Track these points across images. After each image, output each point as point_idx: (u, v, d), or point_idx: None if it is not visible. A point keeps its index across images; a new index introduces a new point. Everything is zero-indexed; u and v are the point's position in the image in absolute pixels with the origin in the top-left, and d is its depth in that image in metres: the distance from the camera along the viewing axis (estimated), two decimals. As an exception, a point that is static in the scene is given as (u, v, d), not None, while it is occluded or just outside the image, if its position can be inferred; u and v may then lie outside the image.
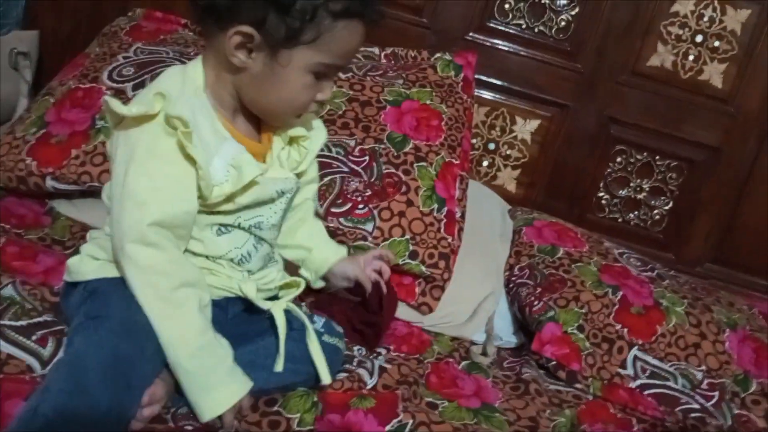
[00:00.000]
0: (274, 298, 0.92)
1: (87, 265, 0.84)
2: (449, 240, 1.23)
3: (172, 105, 0.77)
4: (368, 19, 0.82)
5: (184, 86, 0.81)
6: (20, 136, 1.20)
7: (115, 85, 1.26)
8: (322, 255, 1.02)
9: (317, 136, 0.96)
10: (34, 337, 0.85)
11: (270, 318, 0.87)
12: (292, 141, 0.93)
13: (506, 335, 1.25)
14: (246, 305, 0.89)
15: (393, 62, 1.51)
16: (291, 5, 0.76)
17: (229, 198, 0.82)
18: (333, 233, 1.17)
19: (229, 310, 0.88)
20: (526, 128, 1.65)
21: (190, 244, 0.84)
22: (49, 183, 1.16)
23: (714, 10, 1.58)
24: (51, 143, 1.18)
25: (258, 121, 0.89)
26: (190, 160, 0.78)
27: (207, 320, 0.80)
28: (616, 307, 1.21)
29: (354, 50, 0.85)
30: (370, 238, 1.18)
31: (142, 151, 0.77)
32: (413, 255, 1.19)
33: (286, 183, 0.90)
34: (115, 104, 0.77)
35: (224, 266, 0.87)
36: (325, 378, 0.88)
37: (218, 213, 0.84)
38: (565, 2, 1.58)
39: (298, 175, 0.94)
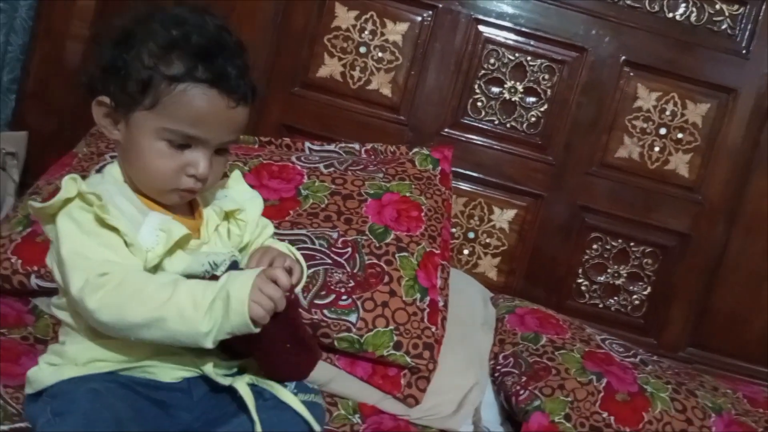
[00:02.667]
0: (240, 373, 0.88)
1: (44, 372, 0.83)
2: (433, 330, 1.24)
3: (86, 185, 0.79)
4: (216, 84, 0.80)
5: (104, 179, 0.85)
6: (6, 235, 1.22)
7: (102, 183, 1.28)
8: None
9: (252, 205, 0.95)
10: (14, 443, 0.83)
11: (240, 395, 0.84)
12: (228, 216, 0.93)
13: (494, 426, 1.23)
14: (210, 385, 0.85)
15: (373, 157, 1.56)
16: (126, 71, 0.79)
17: (160, 265, 0.82)
18: (317, 325, 1.18)
19: (193, 393, 0.85)
20: (503, 217, 1.70)
21: None
22: (34, 281, 1.16)
23: (675, 104, 1.68)
24: (37, 241, 1.19)
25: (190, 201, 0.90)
26: (113, 229, 0.79)
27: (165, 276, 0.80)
28: (602, 394, 1.21)
29: (206, 116, 0.81)
30: (354, 329, 1.18)
31: (67, 231, 0.79)
32: (397, 346, 1.19)
33: (220, 256, 0.88)
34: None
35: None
36: (315, 426, 0.85)
37: None
38: (533, 100, 1.68)
39: (244, 249, 0.94)
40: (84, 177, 1.29)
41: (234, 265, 0.90)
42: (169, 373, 0.83)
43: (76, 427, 0.73)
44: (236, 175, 0.97)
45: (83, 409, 0.74)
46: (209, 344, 0.77)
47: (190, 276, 0.84)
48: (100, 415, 0.74)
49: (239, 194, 0.95)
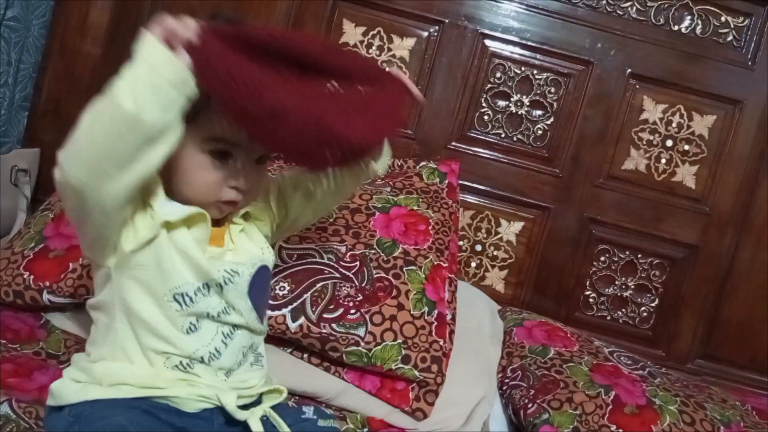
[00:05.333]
0: (257, 402, 0.90)
1: (69, 388, 0.84)
2: (441, 343, 1.24)
3: None
4: None
5: None
6: (18, 251, 1.23)
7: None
8: None
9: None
10: (27, 458, 0.83)
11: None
12: (247, 217, 0.94)
13: (502, 439, 1.23)
14: (228, 416, 0.87)
15: (381, 171, 1.57)
16: None
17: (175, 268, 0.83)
18: (326, 339, 1.18)
19: (214, 421, 0.87)
20: (510, 230, 1.71)
21: (162, 347, 0.84)
22: (46, 297, 1.18)
23: (681, 116, 1.68)
24: (49, 257, 1.21)
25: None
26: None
27: None
28: (610, 407, 1.21)
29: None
30: (362, 343, 1.19)
31: None
32: (405, 359, 1.20)
33: (241, 266, 0.90)
34: None
35: (201, 375, 0.86)
36: None
37: (183, 299, 0.85)
38: (540, 113, 1.69)
39: (283, 223, 0.98)
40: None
41: (262, 271, 0.92)
42: (191, 404, 0.85)
43: None
44: None
45: None
46: (134, 103, 0.71)
47: (209, 282, 0.86)
48: None
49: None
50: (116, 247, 0.83)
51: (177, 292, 0.85)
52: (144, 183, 0.78)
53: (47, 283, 1.18)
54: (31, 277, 1.19)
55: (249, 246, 0.93)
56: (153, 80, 0.72)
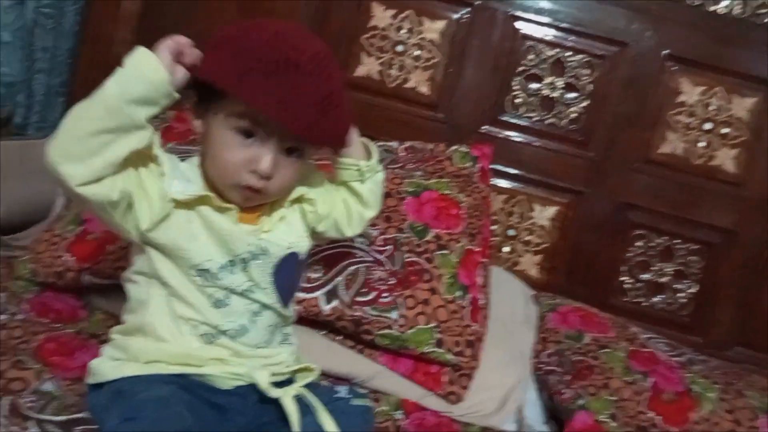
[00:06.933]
0: (289, 381, 0.91)
1: (107, 365, 0.86)
2: (474, 327, 1.23)
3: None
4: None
5: (180, 158, 0.92)
6: (59, 233, 1.25)
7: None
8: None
9: (314, 179, 0.99)
10: (72, 433, 0.85)
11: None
12: (294, 202, 0.95)
13: (537, 424, 1.22)
14: (263, 393, 0.88)
15: (411, 155, 1.56)
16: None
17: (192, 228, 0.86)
18: (358, 322, 1.18)
19: (248, 398, 0.88)
20: (544, 215, 1.69)
21: (190, 314, 0.86)
22: (86, 278, 1.20)
23: (720, 99, 1.64)
24: (88, 239, 1.23)
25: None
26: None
27: None
28: (648, 394, 1.19)
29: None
30: (395, 327, 1.19)
31: None
32: (439, 343, 1.19)
33: (273, 245, 0.90)
34: None
35: (227, 347, 0.87)
36: None
37: (206, 275, 0.86)
38: (573, 96, 1.66)
39: (325, 222, 0.98)
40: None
41: (291, 257, 0.92)
42: (226, 382, 0.86)
43: None
44: None
45: (152, 417, 0.76)
46: (121, 99, 0.77)
47: (234, 259, 0.87)
48: (168, 424, 0.76)
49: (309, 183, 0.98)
50: (136, 226, 0.85)
51: (200, 268, 0.86)
52: (111, 171, 0.80)
53: (87, 265, 1.20)
54: (72, 258, 1.21)
55: (285, 231, 0.93)
56: (138, 77, 0.78)
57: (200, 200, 0.87)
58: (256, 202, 0.90)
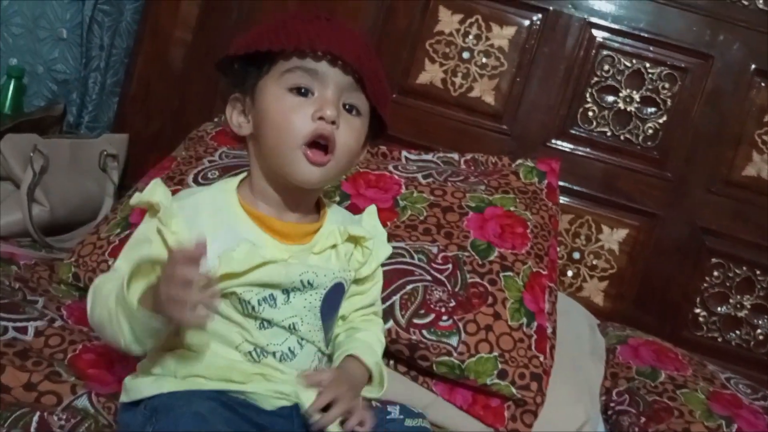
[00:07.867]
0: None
1: (143, 381, 0.81)
2: (541, 359, 1.13)
3: (168, 195, 0.81)
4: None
5: (203, 190, 0.87)
6: (104, 237, 1.21)
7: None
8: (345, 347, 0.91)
9: (382, 245, 0.94)
10: (105, 456, 0.79)
11: None
12: (353, 240, 0.89)
13: (608, 470, 1.12)
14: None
15: (473, 168, 1.48)
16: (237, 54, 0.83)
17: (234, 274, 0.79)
18: (415, 347, 1.10)
19: (294, 420, 0.81)
20: (613, 237, 1.57)
21: (235, 330, 0.80)
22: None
23: (811, 119, 1.51)
24: (134, 244, 1.18)
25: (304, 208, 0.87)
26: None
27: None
28: (733, 441, 1.08)
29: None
30: (455, 354, 1.10)
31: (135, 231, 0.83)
32: (502, 374, 1.10)
33: (320, 277, 0.84)
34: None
35: (277, 369, 0.81)
36: None
37: (245, 306, 0.80)
38: (652, 110, 1.55)
39: (358, 281, 0.91)
40: (182, 180, 1.30)
41: (337, 288, 0.85)
42: (269, 401, 0.80)
43: None
44: (371, 209, 0.96)
45: None
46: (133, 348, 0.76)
47: (274, 293, 0.81)
48: None
49: (371, 227, 0.93)
50: None
51: (239, 298, 0.80)
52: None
53: (131, 271, 1.14)
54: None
55: (334, 259, 0.87)
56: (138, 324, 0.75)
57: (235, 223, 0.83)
58: (323, 175, 0.83)
